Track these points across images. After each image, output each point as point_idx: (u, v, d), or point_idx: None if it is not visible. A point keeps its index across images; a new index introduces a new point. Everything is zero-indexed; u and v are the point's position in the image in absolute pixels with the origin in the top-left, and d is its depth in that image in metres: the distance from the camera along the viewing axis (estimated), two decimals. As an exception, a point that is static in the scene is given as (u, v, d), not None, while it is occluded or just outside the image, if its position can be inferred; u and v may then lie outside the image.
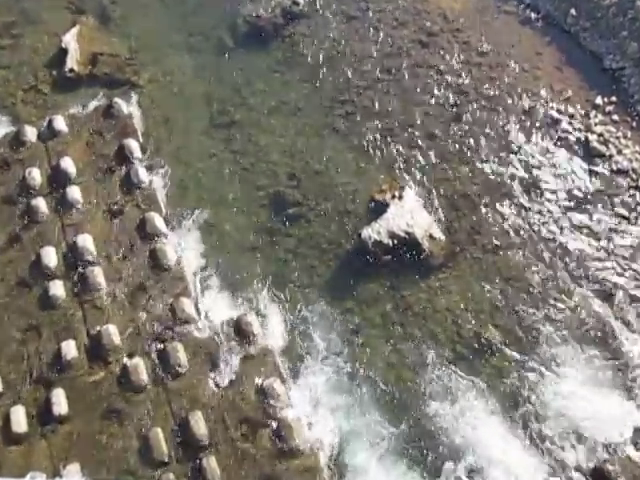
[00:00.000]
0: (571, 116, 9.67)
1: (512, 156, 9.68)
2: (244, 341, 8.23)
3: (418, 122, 10.12)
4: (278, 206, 9.64)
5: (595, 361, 7.81)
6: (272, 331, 8.50)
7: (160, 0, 11.11)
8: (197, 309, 8.61)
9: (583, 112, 9.68)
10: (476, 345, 8.22)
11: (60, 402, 7.63)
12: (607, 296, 8.23)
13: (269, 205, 9.74)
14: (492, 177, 9.57)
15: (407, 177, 9.66)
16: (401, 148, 9.90)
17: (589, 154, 9.31)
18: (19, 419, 7.46)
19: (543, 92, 10.09)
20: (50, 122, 9.88)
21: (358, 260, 8.96)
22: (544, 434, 7.37)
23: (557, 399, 7.51)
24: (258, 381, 8.07)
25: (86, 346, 8.10)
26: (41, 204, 9.15)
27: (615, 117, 9.45)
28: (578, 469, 7.06)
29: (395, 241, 8.94)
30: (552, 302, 8.42)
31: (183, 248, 9.15)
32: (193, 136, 10.26)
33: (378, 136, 10.06)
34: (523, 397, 7.81)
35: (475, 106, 10.16)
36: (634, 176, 8.94)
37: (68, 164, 9.57)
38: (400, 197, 9.31)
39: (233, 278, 8.93)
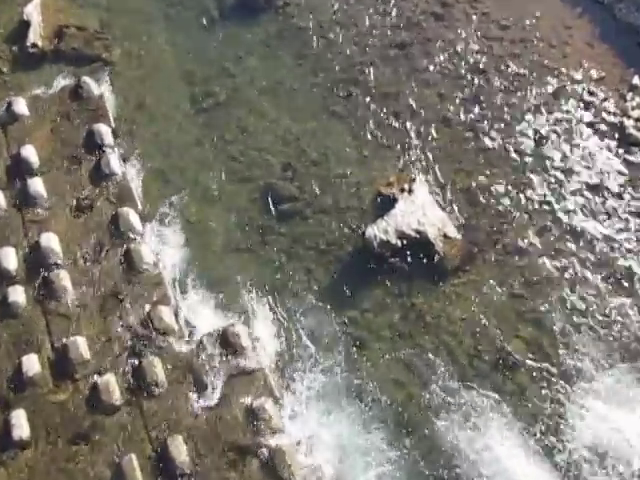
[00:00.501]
0: (604, 99, 9.59)
1: (537, 144, 9.65)
2: (231, 355, 8.14)
3: (430, 105, 10.10)
4: (270, 201, 9.65)
5: (632, 379, 7.78)
6: (263, 344, 8.42)
7: (134, -36, 11.98)
8: (177, 319, 8.56)
9: (618, 94, 9.59)
10: (497, 360, 8.16)
11: (21, 425, 7.45)
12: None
13: (260, 200, 9.76)
14: (515, 168, 9.50)
15: (418, 168, 9.69)
16: (411, 134, 9.91)
17: (625, 141, 9.24)
18: (-27, 444, 7.21)
19: (573, 71, 10.02)
20: (9, 105, 9.75)
21: (362, 263, 8.94)
22: (571, 460, 7.53)
23: (586, 421, 7.65)
24: (247, 401, 7.94)
25: (50, 361, 7.99)
26: (-1, 198, 9.07)
27: (655, 100, 9.65)
28: (606, 499, 7.04)
29: (404, 241, 8.96)
30: (584, 311, 8.31)
31: (161, 249, 9.31)
32: (173, 120, 10.23)
33: (385, 121, 10.07)
34: (549, 418, 7.81)
35: (495, 87, 10.08)
36: (675, 168, 8.96)
37: (30, 153, 9.44)
38: (410, 191, 9.35)
39: (219, 283, 8.83)
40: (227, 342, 8.37)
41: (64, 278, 8.92)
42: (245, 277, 8.91)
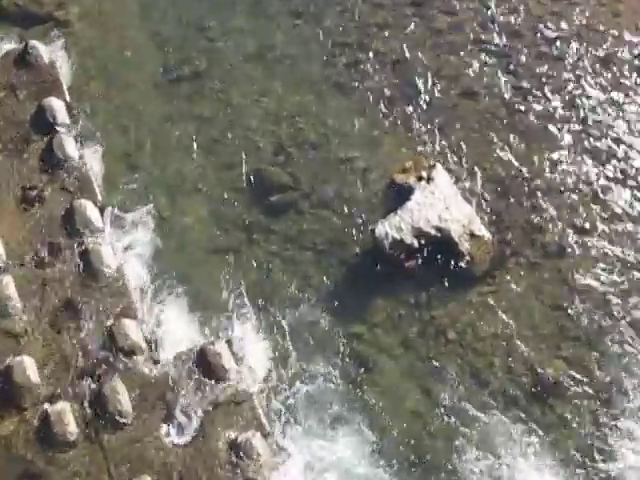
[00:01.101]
0: (664, 65, 9.55)
1: (583, 121, 9.55)
2: (211, 379, 8.21)
3: (453, 74, 10.06)
4: (259, 192, 9.69)
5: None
6: (250, 366, 8.41)
7: None
8: (145, 335, 8.71)
9: (679, 59, 9.64)
10: (534, 385, 8.11)
11: (-46, 465, 7.99)
12: None
13: (246, 190, 9.72)
14: (557, 151, 9.44)
15: (439, 151, 9.66)
16: (430, 110, 9.87)
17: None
18: None
19: (626, 33, 9.93)
20: (-62, 76, 10.42)
21: (370, 267, 8.97)
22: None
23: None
24: (230, 435, 7.99)
25: (-9, 386, 8.79)
26: None
27: None
28: None
29: (422, 240, 8.94)
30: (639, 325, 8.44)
31: (126, 250, 9.35)
32: (141, 93, 10.16)
33: (398, 94, 10.05)
34: (596, 457, 7.71)
35: (533, 53, 10.03)
36: None
37: (-33, 133, 10.15)
38: (429, 179, 9.26)
39: (197, 292, 8.90)
40: (206, 363, 8.35)
41: (8, 285, 8.83)
42: (228, 284, 8.89)
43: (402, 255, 8.85)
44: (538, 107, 9.69)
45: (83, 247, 9.06)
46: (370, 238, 9.00)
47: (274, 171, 9.68)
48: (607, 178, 9.25)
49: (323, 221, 9.32)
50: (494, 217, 9.14)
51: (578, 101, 9.65)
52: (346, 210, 9.42)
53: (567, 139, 9.46)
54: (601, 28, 9.96)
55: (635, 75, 9.70)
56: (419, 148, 9.71)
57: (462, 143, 9.64)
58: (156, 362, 8.43)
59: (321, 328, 8.58)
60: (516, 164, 9.42)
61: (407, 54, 10.16)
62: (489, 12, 10.19)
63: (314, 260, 9.08)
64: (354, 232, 9.23)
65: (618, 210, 9.14)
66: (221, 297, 8.77)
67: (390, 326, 8.60)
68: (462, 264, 8.83)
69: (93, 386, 8.13)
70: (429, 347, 8.47)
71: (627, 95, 9.58)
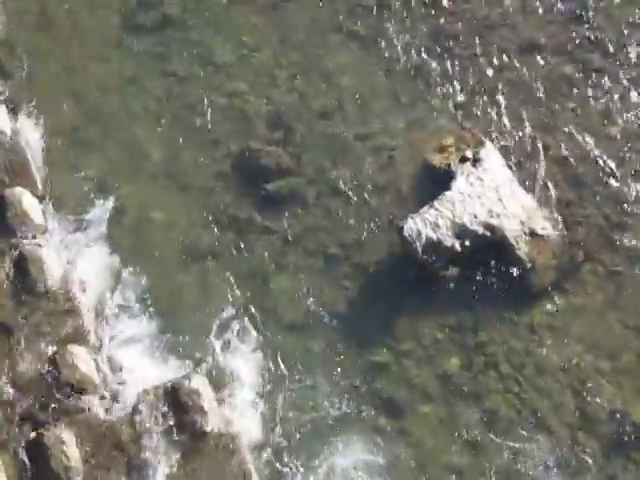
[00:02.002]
0: None
1: None
2: (186, 425, 8.22)
3: (507, 22, 10.06)
4: (250, 178, 9.73)
5: None
6: (237, 407, 8.43)
7: None
8: (101, 367, 8.55)
9: None
10: (615, 432, 8.10)
11: None
12: None
13: (234, 176, 9.74)
14: None
15: (489, 123, 9.59)
16: (476, 69, 9.86)
17: None
18: None
19: None
20: None
21: (397, 277, 8.99)
22: None
23: None
24: None
25: None
26: None
27: None
28: None
29: (466, 242, 8.91)
30: None
31: (76, 254, 9.17)
32: (94, 47, 10.18)
33: (433, 46, 10.00)
34: None
35: None
36: None
37: None
38: (476, 161, 9.20)
39: (168, 310, 8.97)
40: (180, 404, 8.36)
41: None
42: (210, 300, 9.06)
43: (439, 261, 8.89)
44: (619, 67, 9.78)
45: (18, 251, 9.06)
46: (397, 239, 8.98)
47: (270, 150, 9.65)
48: None
49: (334, 217, 9.33)
50: (562, 211, 9.14)
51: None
52: (364, 202, 9.41)
53: (656, 106, 10.04)
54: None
55: None
56: (462, 119, 9.71)
57: (519, 113, 9.67)
58: (114, 402, 8.51)
59: (332, 358, 8.65)
60: (591, 141, 9.43)
61: (444, -5, 10.40)
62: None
63: (323, 268, 9.11)
64: (375, 231, 9.25)
65: None
66: (200, 317, 8.82)
67: (423, 356, 8.62)
68: (519, 273, 8.86)
69: (31, 434, 8.33)
70: (475, 384, 8.48)
71: None
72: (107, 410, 8.27)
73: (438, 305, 8.82)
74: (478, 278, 8.83)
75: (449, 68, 9.98)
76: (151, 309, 8.83)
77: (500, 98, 9.74)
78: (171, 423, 8.13)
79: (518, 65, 9.93)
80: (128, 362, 8.57)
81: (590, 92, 9.68)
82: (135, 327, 8.76)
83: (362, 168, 9.56)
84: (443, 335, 8.69)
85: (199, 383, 8.33)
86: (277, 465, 8.13)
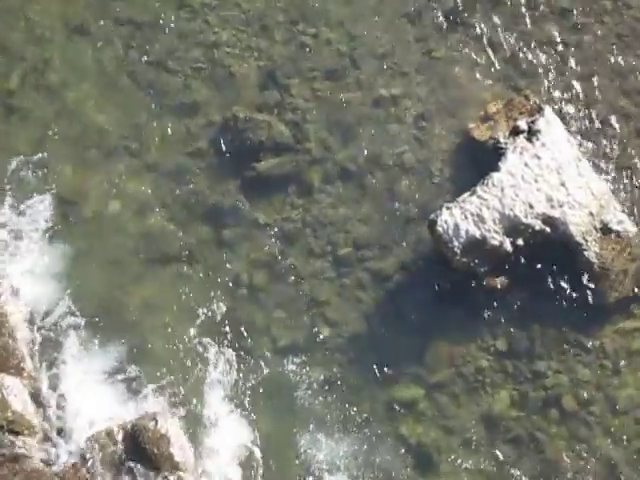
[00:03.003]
0: None
1: None
2: (150, 476, 8.25)
3: None
4: (235, 155, 9.76)
5: None
6: (217, 455, 8.52)
7: None
8: (40, 402, 8.56)
9: None
10: None
11: None
12: None
13: (214, 152, 9.78)
14: None
15: (549, 84, 9.65)
16: (534, 16, 9.90)
17: None
18: None
19: None
20: None
21: (427, 286, 9.01)
22: None
23: None
24: None
25: None
26: None
27: None
28: None
29: (519, 240, 8.85)
30: None
31: (4, 263, 9.21)
32: None
33: None
34: None
35: None
36: None
37: None
38: (532, 133, 9.21)
39: (127, 328, 9.04)
40: (142, 452, 8.39)
41: None
42: (181, 315, 9.16)
43: (483, 265, 8.91)
44: None
45: None
46: (427, 236, 9.08)
47: (260, 119, 9.81)
48: None
49: (345, 207, 9.46)
50: (644, 202, 9.34)
51: None
52: (385, 187, 9.57)
53: None
54: None
55: None
56: (512, 80, 9.87)
57: (589, 69, 9.85)
58: (58, 446, 8.55)
59: (342, 394, 8.78)
60: (683, 106, 9.72)
61: None
62: None
63: (330, 275, 9.23)
64: (399, 225, 9.40)
65: None
66: (169, 338, 9.06)
67: (463, 390, 8.74)
68: (588, 281, 8.91)
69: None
70: (531, 426, 8.56)
71: None
72: (48, 458, 8.31)
73: (482, 323, 8.84)
74: (534, 288, 8.82)
75: (497, 14, 10.06)
76: (104, 326, 8.96)
77: (563, 50, 9.85)
78: (131, 472, 8.18)
79: (586, 11, 10.03)
80: (75, 396, 8.66)
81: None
82: (84, 350, 8.86)
83: (381, 142, 9.58)
84: (488, 362, 8.74)
85: (168, 425, 8.38)
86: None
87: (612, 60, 9.74)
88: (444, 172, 9.45)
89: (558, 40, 9.85)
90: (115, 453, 8.27)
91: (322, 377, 8.91)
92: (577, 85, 9.69)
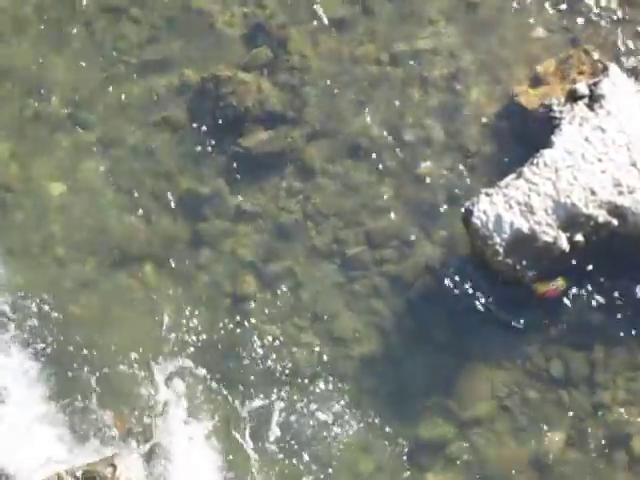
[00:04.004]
0: None
1: None
2: None
3: None
4: (216, 126, 9.79)
5: None
6: None
7: None
8: None
9: None
10: None
11: None
12: None
13: (189, 123, 9.82)
14: None
15: (616, 37, 9.66)
16: None
17: None
18: None
19: None
20: None
21: (460, 293, 9.07)
22: None
23: None
24: None
25: None
26: None
27: None
28: None
29: (577, 235, 8.81)
30: None
31: None
32: None
33: None
34: None
35: None
36: None
37: None
38: (594, 99, 9.23)
39: (76, 353, 9.10)
40: None
41: None
42: (146, 336, 9.18)
43: (532, 267, 8.84)
44: None
45: None
46: (461, 230, 9.04)
47: (250, 81, 9.82)
48: None
49: (356, 193, 9.45)
50: None
51: None
52: (407, 168, 9.53)
53: None
54: None
55: None
56: (572, 30, 9.86)
57: None
58: None
59: (353, 432, 8.75)
60: None
61: None
62: None
63: (338, 279, 9.24)
64: (424, 217, 9.38)
65: None
66: (129, 366, 9.06)
67: (507, 426, 8.74)
68: None
69: None
70: (593, 472, 8.50)
71: None
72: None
73: (530, 343, 8.89)
74: (597, 297, 8.85)
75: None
76: (47, 347, 9.01)
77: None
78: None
79: None
80: (14, 435, 8.77)
81: None
82: (22, 377, 8.92)
83: (402, 111, 9.62)
84: (539, 393, 8.75)
85: (128, 470, 8.42)
86: None
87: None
88: (482, 149, 9.49)
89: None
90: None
91: (326, 411, 8.87)
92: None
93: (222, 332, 9.21)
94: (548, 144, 9.02)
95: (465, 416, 8.76)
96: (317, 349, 9.08)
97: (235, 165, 9.60)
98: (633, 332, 8.82)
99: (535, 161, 8.97)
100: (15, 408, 9.05)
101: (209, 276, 9.31)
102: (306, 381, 9.21)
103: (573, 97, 9.27)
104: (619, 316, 8.85)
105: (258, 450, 8.99)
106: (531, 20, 10.00)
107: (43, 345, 9.22)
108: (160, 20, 10.15)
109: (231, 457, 8.92)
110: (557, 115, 9.19)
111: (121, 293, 9.36)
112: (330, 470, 8.83)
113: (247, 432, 8.99)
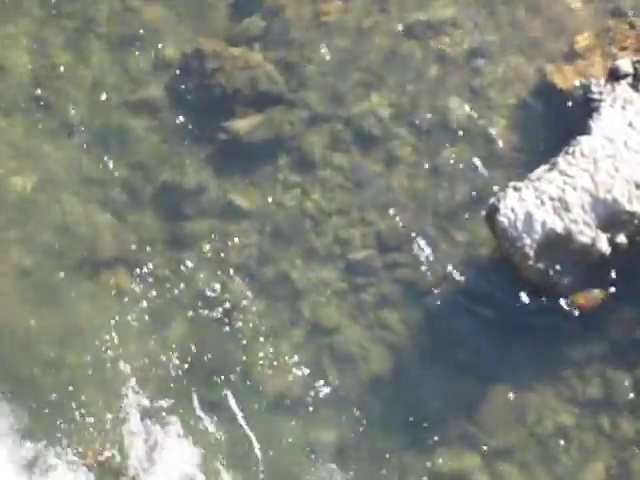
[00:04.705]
0: None
1: None
2: None
3: None
4: (199, 108, 9.90)
5: None
6: None
7: None
8: None
9: None
10: None
11: None
12: None
13: (167, 105, 9.93)
14: None
15: None
16: None
17: None
18: None
19: None
20: None
21: (484, 305, 9.15)
22: None
23: None
24: None
25: None
26: None
27: None
28: None
29: (620, 236, 8.90)
30: None
31: None
32: None
33: None
34: None
35: None
36: None
37: None
38: (639, 79, 9.25)
39: (36, 376, 9.16)
40: None
41: None
42: (120, 356, 9.20)
43: (568, 274, 8.85)
44: None
45: None
46: (485, 230, 9.07)
47: (240, 56, 9.91)
48: None
49: (363, 186, 9.47)
50: None
51: None
52: (423, 157, 9.58)
53: None
54: None
55: None
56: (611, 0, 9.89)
57: None
58: None
59: (360, 460, 8.87)
60: None
61: None
62: None
63: (342, 287, 9.29)
64: (443, 215, 9.44)
65: None
66: (98, 391, 9.09)
67: (538, 456, 8.79)
68: None
69: None
70: None
71: None
72: None
73: (565, 361, 8.96)
74: None
75: None
76: (3, 371, 9.01)
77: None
78: None
79: None
80: None
81: None
82: None
83: (417, 92, 9.67)
84: (575, 418, 8.83)
85: None
86: None
87: None
88: (509, 136, 9.50)
89: None
90: None
91: (327, 441, 8.89)
92: None
93: (206, 349, 9.13)
94: (585, 130, 8.98)
95: (490, 445, 8.75)
96: (316, 368, 9.02)
97: (222, 154, 9.62)
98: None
99: (571, 150, 8.89)
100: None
101: (191, 283, 9.25)
102: (304, 406, 9.15)
103: (615, 76, 9.23)
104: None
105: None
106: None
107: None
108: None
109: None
110: (596, 97, 9.17)
111: (89, 303, 9.29)
112: (335, 509, 8.76)
113: (232, 466, 8.85)
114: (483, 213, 9.05)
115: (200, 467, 8.95)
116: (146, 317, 9.31)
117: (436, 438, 8.89)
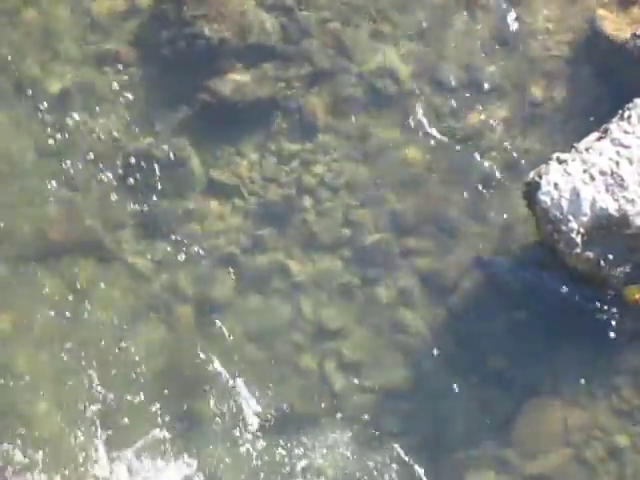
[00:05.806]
0: None
1: None
2: None
3: None
4: (177, 63, 10.05)
5: None
6: None
7: None
8: None
9: None
10: None
11: None
12: None
13: (138, 58, 10.08)
14: None
15: None
16: None
17: None
18: None
19: None
20: None
21: (520, 301, 9.35)
22: None
23: None
24: None
25: None
26: None
27: None
28: None
29: None
30: None
31: None
32: None
33: None
34: None
35: None
36: None
37: None
38: None
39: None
40: None
41: None
42: (80, 370, 9.27)
43: (621, 262, 8.94)
44: None
45: None
46: (522, 210, 9.22)
47: (228, 1, 10.01)
48: None
49: (373, 159, 9.63)
50: None
51: None
52: (448, 123, 9.76)
53: None
54: None
55: None
56: None
57: None
58: None
59: None
60: None
61: None
62: None
63: (349, 280, 9.42)
64: (471, 192, 9.57)
65: None
66: (57, 406, 9.22)
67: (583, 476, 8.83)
68: None
69: None
70: None
71: None
72: None
73: (618, 369, 9.11)
74: None
75: None
76: None
77: None
78: None
79: None
80: None
81: None
82: None
83: (441, 43, 9.84)
84: (630, 438, 8.99)
85: None
86: None
87: None
88: (551, 97, 9.63)
89: None
90: None
91: (333, 464, 8.94)
92: None
93: (184, 357, 9.21)
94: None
95: (528, 470, 8.86)
96: (320, 378, 9.11)
97: (204, 119, 9.72)
98: None
99: (626, 114, 8.94)
100: None
101: (167, 275, 9.35)
102: (306, 424, 9.19)
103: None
104: None
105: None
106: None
107: None
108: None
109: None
110: (642, 49, 9.09)
111: (41, 299, 9.34)
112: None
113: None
114: (521, 190, 9.00)
115: None
116: (108, 316, 9.34)
117: (464, 461, 8.97)
